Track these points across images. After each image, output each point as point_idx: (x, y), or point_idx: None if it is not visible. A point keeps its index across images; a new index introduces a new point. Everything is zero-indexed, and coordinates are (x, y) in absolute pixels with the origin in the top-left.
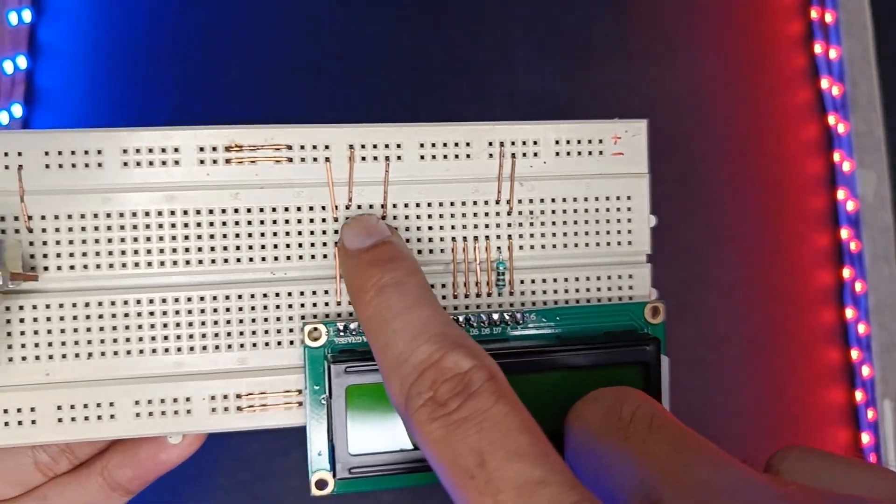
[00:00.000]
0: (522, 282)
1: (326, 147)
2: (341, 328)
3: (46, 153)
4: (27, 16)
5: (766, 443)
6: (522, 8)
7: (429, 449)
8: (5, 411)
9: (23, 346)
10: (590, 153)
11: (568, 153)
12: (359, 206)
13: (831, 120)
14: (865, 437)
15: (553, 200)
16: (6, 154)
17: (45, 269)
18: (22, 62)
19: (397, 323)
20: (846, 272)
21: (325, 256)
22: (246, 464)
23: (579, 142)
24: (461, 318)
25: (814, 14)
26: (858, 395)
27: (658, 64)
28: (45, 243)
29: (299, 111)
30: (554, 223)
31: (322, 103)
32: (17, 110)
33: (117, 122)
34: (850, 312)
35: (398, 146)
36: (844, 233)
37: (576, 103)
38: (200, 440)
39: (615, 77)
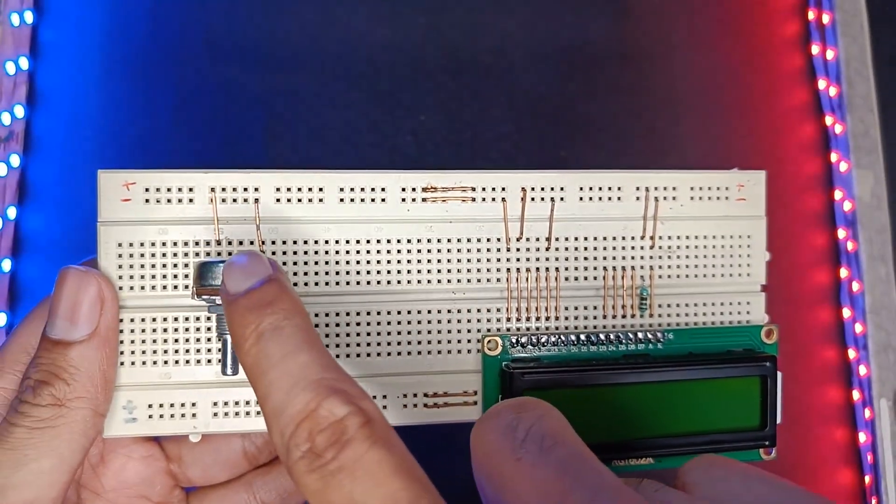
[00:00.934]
0: (660, 306)
1: (503, 189)
2: (514, 341)
3: (277, 189)
4: (29, 17)
5: None
6: (521, 8)
7: (309, 500)
8: (236, 403)
9: None
10: (718, 198)
11: (700, 198)
12: (527, 239)
13: (828, 120)
14: (862, 437)
15: (687, 237)
16: (245, 189)
17: None
18: (24, 63)
19: (274, 373)
20: (843, 272)
21: (498, 280)
22: None
23: (710, 188)
24: (612, 336)
25: (811, 15)
26: (855, 395)
27: (655, 65)
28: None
29: (299, 111)
30: (687, 257)
31: (322, 103)
32: (20, 111)
33: (119, 122)
34: (846, 312)
35: (562, 189)
36: (841, 233)
37: (574, 104)
38: None
39: (613, 78)
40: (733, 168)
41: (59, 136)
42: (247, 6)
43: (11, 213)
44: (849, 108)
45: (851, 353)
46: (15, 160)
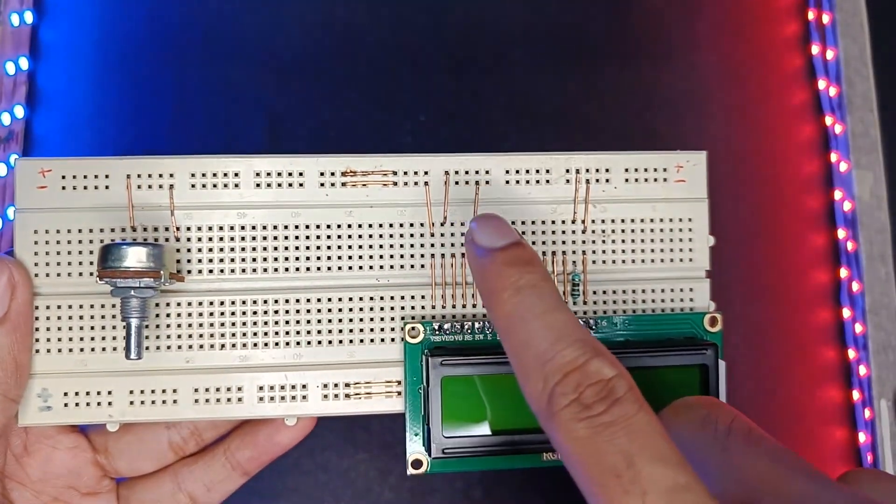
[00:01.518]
0: (595, 292)
1: (426, 173)
2: (436, 328)
3: (192, 174)
4: (29, 17)
5: None
6: (521, 9)
7: (570, 446)
8: (153, 391)
9: (168, 336)
10: (655, 180)
11: (636, 179)
12: (451, 224)
13: (828, 120)
14: (862, 437)
15: (623, 221)
16: (160, 175)
17: (189, 272)
18: (24, 63)
19: (537, 324)
20: (843, 272)
21: (422, 266)
22: None
23: (646, 170)
24: None
25: (811, 15)
26: (855, 395)
27: (655, 65)
28: (189, 251)
29: (299, 111)
30: (623, 241)
31: (322, 104)
32: (20, 111)
33: (119, 122)
34: (846, 312)
35: (487, 172)
36: (841, 233)
37: (574, 104)
38: (312, 424)
39: (613, 78)
40: (676, 150)
41: (59, 136)
42: (247, 6)
43: (11, 213)
44: (849, 107)
45: (851, 353)
46: (15, 160)
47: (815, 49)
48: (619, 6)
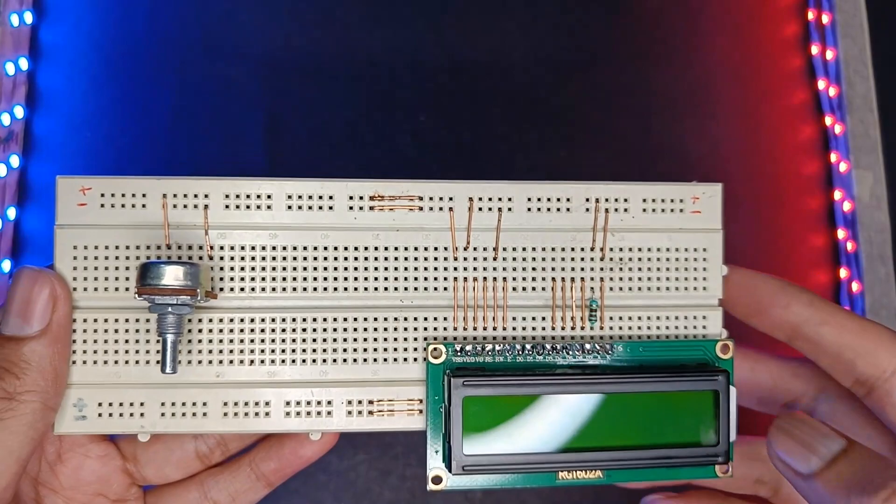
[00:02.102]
0: (611, 318)
1: (450, 199)
2: (458, 349)
3: (227, 195)
4: (29, 17)
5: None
6: (521, 9)
7: None
8: (183, 404)
9: (199, 351)
10: (672, 210)
11: (653, 210)
12: (474, 248)
13: (828, 121)
14: None
15: (640, 249)
16: (195, 195)
17: (221, 290)
18: (23, 63)
19: None
20: (842, 272)
21: (445, 289)
22: None
23: (664, 200)
24: (559, 347)
25: (810, 15)
26: None
27: (655, 65)
28: (221, 269)
29: (299, 112)
30: (640, 269)
31: (321, 104)
32: (19, 111)
33: (118, 122)
34: None
35: (510, 199)
36: (841, 233)
37: (574, 105)
38: (335, 439)
39: (613, 78)
40: (692, 181)
41: (59, 137)
42: (247, 7)
43: (11, 213)
44: (849, 108)
45: None
46: (15, 161)
47: (814, 49)
48: (619, 6)
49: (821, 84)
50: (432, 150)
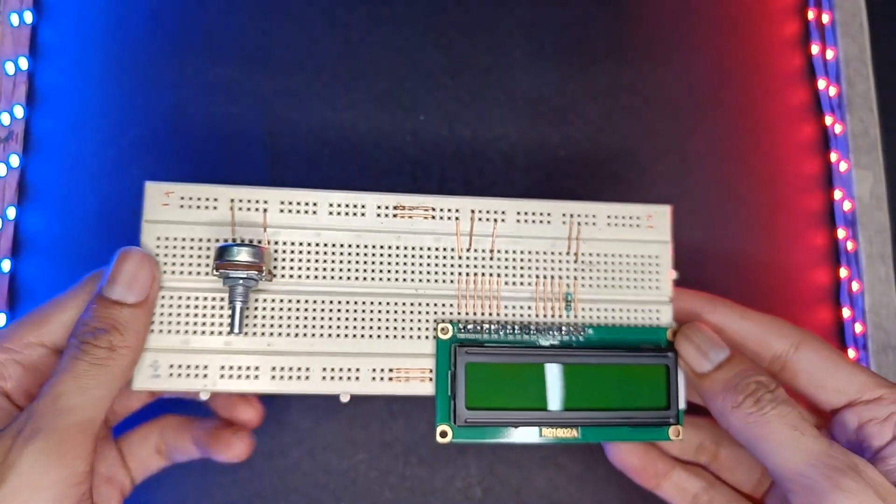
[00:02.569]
0: (583, 308)
1: (457, 210)
2: (461, 328)
3: (282, 202)
4: (29, 17)
5: None
6: (520, 9)
7: None
8: (239, 367)
9: (255, 325)
10: (631, 225)
11: (616, 224)
12: (475, 250)
13: (828, 120)
14: None
15: (605, 255)
16: (257, 201)
17: (274, 276)
18: (23, 63)
19: None
20: (842, 272)
21: (451, 281)
22: (245, 462)
23: (624, 217)
24: (542, 329)
25: (810, 15)
26: None
27: (655, 65)
28: (275, 259)
29: (299, 113)
30: (606, 270)
31: (321, 105)
32: (19, 111)
33: (119, 122)
34: (846, 312)
35: (503, 212)
36: (841, 233)
37: (574, 104)
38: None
39: (613, 78)
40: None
41: (59, 136)
42: (247, 6)
43: (11, 213)
44: (848, 107)
45: (851, 353)
46: (15, 160)
47: (814, 49)
48: (619, 5)
49: (821, 83)
50: (432, 149)
